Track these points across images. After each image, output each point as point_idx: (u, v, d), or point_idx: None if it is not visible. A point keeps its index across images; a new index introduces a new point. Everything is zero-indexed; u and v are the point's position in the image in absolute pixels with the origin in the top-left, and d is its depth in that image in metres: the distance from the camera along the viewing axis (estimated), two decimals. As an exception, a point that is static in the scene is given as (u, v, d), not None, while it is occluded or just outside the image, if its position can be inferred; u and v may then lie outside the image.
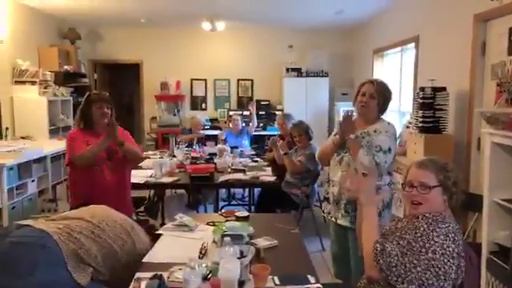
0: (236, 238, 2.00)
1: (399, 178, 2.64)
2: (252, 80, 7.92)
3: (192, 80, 7.85)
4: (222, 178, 3.92)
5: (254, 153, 5.35)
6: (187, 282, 1.58)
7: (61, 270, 1.69)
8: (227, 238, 1.82)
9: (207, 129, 7.35)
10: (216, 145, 5.48)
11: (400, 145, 4.17)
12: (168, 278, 1.69)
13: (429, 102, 3.72)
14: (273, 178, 3.99)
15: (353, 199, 2.27)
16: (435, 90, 3.73)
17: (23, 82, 5.37)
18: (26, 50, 5.70)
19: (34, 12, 5.92)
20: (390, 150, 2.39)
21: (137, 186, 3.54)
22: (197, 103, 7.92)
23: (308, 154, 4.13)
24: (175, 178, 3.92)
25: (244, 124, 6.94)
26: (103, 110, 2.80)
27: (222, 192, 5.49)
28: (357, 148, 2.38)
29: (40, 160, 4.49)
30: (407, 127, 4.41)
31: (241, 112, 7.45)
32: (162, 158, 4.57)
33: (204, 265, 1.76)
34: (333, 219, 2.57)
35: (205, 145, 5.34)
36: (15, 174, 4.11)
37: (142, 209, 4.30)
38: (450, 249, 1.50)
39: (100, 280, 1.82)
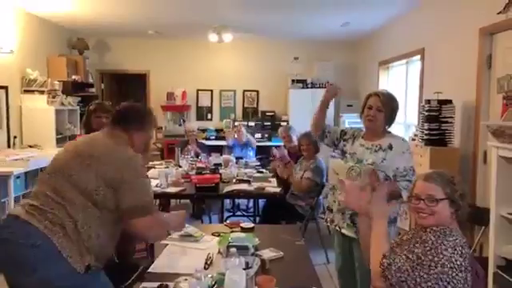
0: (241, 249, 1.99)
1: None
2: (257, 91, 7.96)
3: (198, 90, 7.90)
4: (227, 189, 3.92)
5: (258, 164, 5.36)
6: (193, 292, 1.58)
7: (60, 261, 1.63)
8: (233, 249, 1.82)
9: (212, 139, 7.40)
10: (221, 155, 5.51)
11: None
12: (173, 288, 1.70)
13: (434, 115, 3.73)
14: (278, 189, 3.99)
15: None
16: (441, 102, 3.73)
17: (32, 92, 5.43)
18: (35, 59, 5.78)
19: (43, 22, 6.02)
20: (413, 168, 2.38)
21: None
22: (202, 114, 7.96)
23: (314, 168, 4.13)
24: (181, 188, 3.93)
25: (249, 135, 6.98)
26: (101, 119, 2.89)
27: (227, 202, 5.49)
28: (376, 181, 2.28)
29: (47, 169, 4.52)
30: (413, 140, 4.41)
31: (246, 123, 7.48)
32: (167, 167, 4.59)
33: (209, 275, 1.76)
34: (337, 228, 2.54)
35: (198, 146, 5.33)
36: (22, 182, 4.15)
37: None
38: (458, 262, 1.49)
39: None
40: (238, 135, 5.91)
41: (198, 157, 5.12)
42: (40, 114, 5.35)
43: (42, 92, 5.46)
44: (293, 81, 7.42)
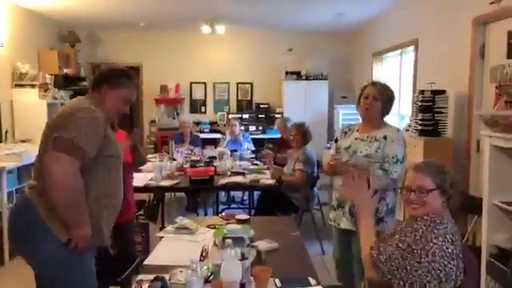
0: (237, 241, 2.00)
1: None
2: (251, 83, 7.94)
3: (191, 83, 7.87)
4: (222, 181, 3.92)
5: (253, 156, 5.36)
6: (189, 283, 1.58)
7: (45, 233, 1.74)
8: (228, 240, 1.82)
9: (206, 132, 7.38)
10: (215, 148, 5.49)
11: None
12: (169, 280, 1.69)
13: (428, 105, 3.74)
14: (272, 181, 3.99)
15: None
16: (434, 93, 3.75)
17: (23, 86, 5.37)
18: (26, 53, 5.71)
19: (33, 15, 5.94)
20: (403, 158, 2.38)
21: (137, 190, 3.54)
22: (196, 106, 7.93)
23: (304, 159, 4.12)
24: (175, 181, 3.92)
25: (243, 128, 6.96)
26: None
27: (222, 195, 5.49)
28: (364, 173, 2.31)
29: (40, 163, 4.48)
30: (406, 130, 4.42)
31: (240, 116, 7.47)
32: (161, 161, 4.57)
33: (205, 267, 1.76)
34: (335, 225, 2.56)
35: (193, 138, 5.32)
36: (14, 177, 4.11)
37: (141, 212, 4.30)
38: (449, 250, 1.51)
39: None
40: (230, 130, 5.90)
41: (191, 150, 5.10)
42: (32, 108, 5.30)
43: (33, 86, 5.40)
44: (287, 73, 7.41)
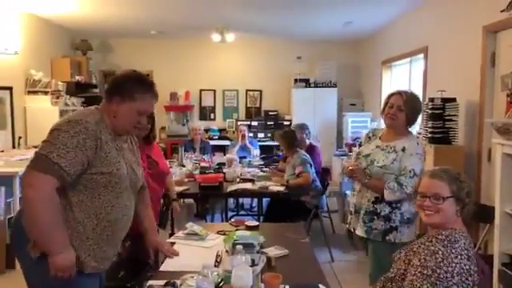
0: (247, 247, 2.00)
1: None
2: (260, 91, 7.97)
3: (201, 90, 7.92)
4: (231, 188, 3.94)
5: (262, 163, 5.37)
6: (200, 289, 1.59)
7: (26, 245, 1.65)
8: (239, 247, 1.83)
9: (215, 139, 7.41)
10: (224, 155, 5.51)
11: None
12: (180, 285, 1.71)
13: (438, 113, 3.72)
14: (282, 188, 3.99)
15: (370, 209, 2.40)
16: (445, 100, 3.73)
17: (36, 92, 5.46)
18: (39, 60, 5.80)
19: (47, 24, 6.04)
20: (421, 173, 2.34)
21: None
22: (205, 113, 7.98)
23: (300, 162, 4.13)
24: (184, 188, 3.95)
25: (252, 134, 6.98)
26: None
27: (230, 202, 5.50)
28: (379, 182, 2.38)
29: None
30: (417, 138, 4.40)
31: (249, 123, 7.50)
32: (171, 167, 4.59)
33: (215, 273, 1.77)
34: (352, 229, 2.57)
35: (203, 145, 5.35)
36: (27, 182, 4.17)
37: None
38: (467, 267, 1.49)
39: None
40: (239, 138, 5.92)
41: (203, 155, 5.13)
42: (44, 114, 5.37)
43: (45, 93, 5.48)
44: (296, 80, 7.43)
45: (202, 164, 4.66)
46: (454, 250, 1.51)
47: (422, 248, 1.59)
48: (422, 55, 5.02)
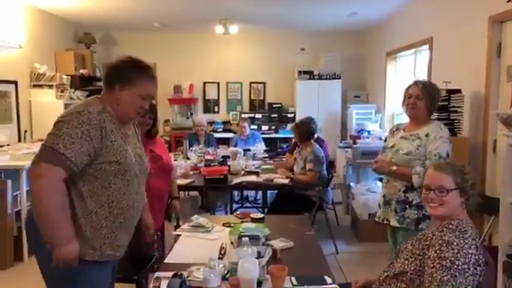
0: (253, 239, 2.02)
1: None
2: (264, 83, 7.95)
3: (205, 83, 7.92)
4: (236, 181, 3.95)
5: (266, 155, 5.37)
6: (207, 280, 1.61)
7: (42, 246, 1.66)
8: (245, 239, 1.85)
9: (219, 131, 7.43)
10: (228, 147, 5.52)
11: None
12: (187, 277, 1.72)
13: (443, 105, 3.70)
14: (286, 181, 4.00)
15: (401, 198, 2.45)
16: (450, 92, 3.71)
17: (41, 86, 5.48)
18: (43, 54, 5.82)
19: (50, 17, 6.05)
20: (447, 156, 2.39)
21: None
22: (209, 106, 7.98)
23: (312, 158, 4.10)
24: (189, 180, 3.96)
25: (256, 127, 6.99)
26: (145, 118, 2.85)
27: (235, 194, 5.52)
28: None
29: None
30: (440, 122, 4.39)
31: (253, 115, 7.50)
32: (176, 160, 4.62)
33: (222, 265, 1.79)
34: (385, 221, 2.57)
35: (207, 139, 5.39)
36: (33, 175, 4.20)
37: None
38: (477, 257, 1.51)
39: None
40: (240, 131, 5.94)
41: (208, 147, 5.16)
42: (49, 108, 5.40)
43: (50, 86, 5.51)
44: (299, 72, 7.40)
45: (207, 157, 4.67)
46: (466, 241, 1.53)
47: (436, 239, 1.59)
48: (426, 46, 4.98)
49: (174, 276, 1.61)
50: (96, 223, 1.69)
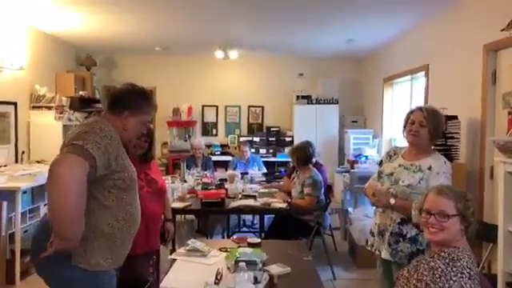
0: (249, 264, 2.00)
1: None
2: (262, 107, 8.02)
3: (203, 106, 7.97)
4: (233, 204, 3.93)
5: (264, 179, 5.36)
6: (202, 307, 1.58)
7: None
8: (242, 264, 1.83)
9: (217, 154, 7.43)
10: (226, 171, 5.51)
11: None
12: (182, 303, 1.69)
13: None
14: (284, 205, 3.98)
15: (395, 230, 2.31)
16: (446, 118, 3.74)
17: (40, 107, 5.50)
18: (45, 75, 5.86)
19: (52, 39, 6.13)
20: None
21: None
22: (208, 129, 8.01)
23: (311, 183, 4.10)
24: (186, 204, 3.94)
25: (254, 150, 6.99)
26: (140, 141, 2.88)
27: (233, 218, 5.47)
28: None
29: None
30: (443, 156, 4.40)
31: (251, 138, 7.52)
32: (173, 183, 4.60)
33: (218, 290, 1.76)
34: (377, 252, 2.44)
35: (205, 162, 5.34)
36: (29, 197, 4.16)
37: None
38: (468, 285, 1.48)
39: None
40: (240, 154, 5.95)
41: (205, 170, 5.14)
42: (48, 129, 5.40)
43: (49, 108, 5.52)
44: (298, 97, 7.47)
45: (204, 180, 4.66)
46: (454, 269, 1.50)
47: (423, 264, 1.59)
48: (423, 73, 5.06)
49: (169, 302, 1.58)
50: (112, 236, 1.79)
